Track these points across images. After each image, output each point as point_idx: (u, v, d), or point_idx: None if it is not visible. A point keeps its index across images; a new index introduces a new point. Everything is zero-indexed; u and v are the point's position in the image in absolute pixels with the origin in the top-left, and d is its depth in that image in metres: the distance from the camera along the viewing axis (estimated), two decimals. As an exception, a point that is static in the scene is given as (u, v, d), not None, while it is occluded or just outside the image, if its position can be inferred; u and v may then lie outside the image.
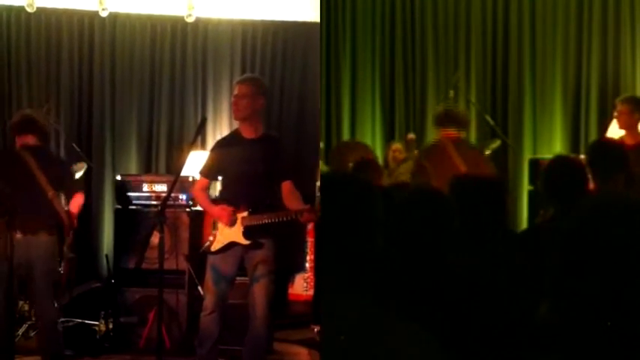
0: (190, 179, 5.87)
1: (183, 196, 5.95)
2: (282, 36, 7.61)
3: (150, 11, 7.46)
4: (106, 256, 6.50)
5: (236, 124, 4.78)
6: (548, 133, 7.83)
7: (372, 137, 8.32)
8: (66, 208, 5.13)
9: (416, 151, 6.92)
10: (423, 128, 8.08)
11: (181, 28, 7.52)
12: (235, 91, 4.60)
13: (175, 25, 7.52)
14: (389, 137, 8.32)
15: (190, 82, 7.55)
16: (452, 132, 5.51)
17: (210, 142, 6.93)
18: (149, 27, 7.51)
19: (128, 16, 7.45)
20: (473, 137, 7.84)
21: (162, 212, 4.28)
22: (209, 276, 4.62)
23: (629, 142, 5.49)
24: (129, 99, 7.50)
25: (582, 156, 5.34)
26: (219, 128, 7.45)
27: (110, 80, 7.47)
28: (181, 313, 5.74)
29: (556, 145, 7.69)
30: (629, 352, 1.44)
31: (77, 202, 5.17)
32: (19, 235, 4.72)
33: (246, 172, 4.54)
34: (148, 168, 7.49)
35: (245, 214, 4.52)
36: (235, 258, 4.59)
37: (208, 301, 4.60)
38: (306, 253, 6.69)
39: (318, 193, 5.81)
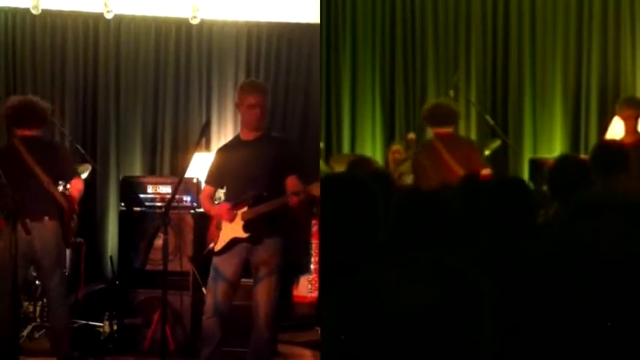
0: (195, 181, 5.87)
1: (187, 198, 5.95)
2: (287, 37, 7.61)
3: (155, 13, 7.46)
4: (111, 257, 6.51)
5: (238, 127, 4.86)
6: (548, 133, 7.82)
7: (372, 137, 8.31)
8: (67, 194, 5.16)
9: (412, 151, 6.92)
10: (423, 128, 8.06)
11: (186, 30, 7.52)
12: (251, 100, 4.59)
13: (180, 27, 7.52)
14: (389, 137, 8.31)
15: (195, 83, 7.55)
16: (441, 130, 5.56)
17: (215, 144, 6.94)
18: (154, 29, 7.52)
19: (133, 18, 7.45)
20: (473, 137, 7.87)
21: (167, 214, 4.31)
22: (212, 278, 4.64)
23: (628, 140, 5.51)
24: (133, 101, 7.51)
25: (583, 156, 5.35)
26: (224, 130, 7.45)
27: (115, 82, 7.48)
28: (185, 315, 5.73)
29: (556, 145, 7.69)
30: (624, 350, 1.43)
31: (76, 186, 5.18)
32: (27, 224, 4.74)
33: (247, 174, 4.60)
34: (153, 170, 7.49)
35: (245, 209, 4.56)
36: (239, 259, 4.60)
37: (210, 304, 4.62)
38: (311, 254, 6.68)
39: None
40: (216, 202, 4.93)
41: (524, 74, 7.87)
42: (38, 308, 5.94)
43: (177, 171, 7.20)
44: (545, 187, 5.38)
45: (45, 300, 5.87)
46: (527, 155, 7.53)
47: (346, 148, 8.37)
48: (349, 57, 8.39)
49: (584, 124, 7.64)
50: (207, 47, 7.57)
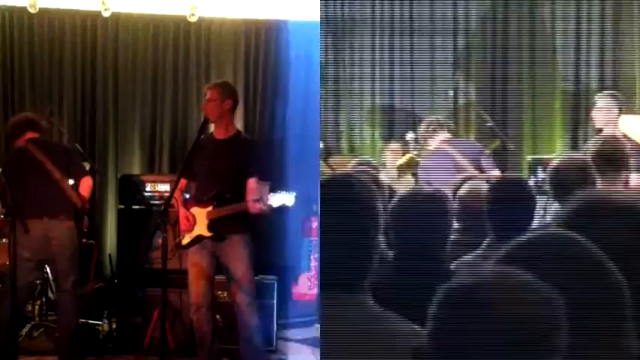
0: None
1: (186, 196, 5.94)
2: (285, 35, 7.60)
3: (152, 11, 7.44)
4: (109, 255, 6.50)
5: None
6: (548, 133, 7.81)
7: (371, 137, 8.28)
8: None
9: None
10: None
11: (184, 27, 7.51)
12: (207, 95, 4.86)
13: (178, 25, 7.51)
14: (389, 137, 8.29)
15: (193, 81, 7.54)
16: None
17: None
18: (152, 27, 7.50)
19: (131, 16, 7.44)
20: (473, 137, 7.86)
21: (166, 212, 4.32)
22: (191, 275, 4.82)
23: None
24: (132, 99, 7.50)
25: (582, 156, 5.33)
26: (222, 128, 7.43)
27: (113, 80, 7.46)
28: (185, 313, 5.72)
29: (556, 145, 7.68)
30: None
31: (86, 184, 5.23)
32: (43, 221, 4.78)
33: (214, 170, 4.78)
34: (151, 168, 7.48)
35: (210, 208, 4.73)
36: (207, 251, 4.79)
37: (194, 300, 4.80)
38: (310, 252, 6.68)
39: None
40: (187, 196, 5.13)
41: (524, 74, 7.86)
42: (37, 307, 5.93)
43: (175, 169, 7.19)
44: (545, 187, 5.39)
45: (43, 299, 5.87)
46: (527, 155, 7.50)
47: (346, 148, 8.34)
48: (349, 56, 8.36)
49: (584, 124, 7.62)
50: (206, 45, 7.56)
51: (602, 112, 5.76)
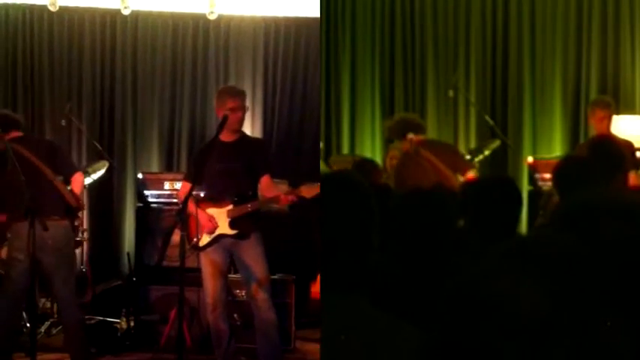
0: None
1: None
2: (304, 32, 7.57)
3: (172, 9, 7.45)
4: (128, 254, 6.49)
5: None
6: (548, 133, 7.74)
7: (371, 137, 8.23)
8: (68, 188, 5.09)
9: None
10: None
11: (203, 25, 7.51)
12: (232, 104, 4.81)
13: (197, 23, 7.51)
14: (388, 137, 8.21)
15: (212, 79, 7.53)
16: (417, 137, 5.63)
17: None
18: (171, 24, 7.51)
19: (150, 14, 7.45)
20: (473, 137, 7.83)
21: (184, 210, 4.31)
22: (206, 274, 4.82)
23: None
24: (150, 97, 7.50)
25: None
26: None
27: (132, 78, 7.48)
28: (202, 311, 5.71)
29: (556, 145, 7.61)
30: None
31: (78, 181, 5.07)
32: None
33: (227, 169, 4.80)
34: (170, 166, 7.49)
35: (230, 206, 4.76)
36: (223, 249, 4.82)
37: (210, 299, 4.82)
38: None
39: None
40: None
41: (524, 74, 7.79)
42: (55, 305, 5.93)
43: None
44: (545, 188, 5.36)
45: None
46: (526, 155, 7.43)
47: (346, 148, 8.29)
48: (349, 55, 8.30)
49: (584, 124, 7.54)
50: (225, 43, 7.55)
51: (606, 120, 5.80)
